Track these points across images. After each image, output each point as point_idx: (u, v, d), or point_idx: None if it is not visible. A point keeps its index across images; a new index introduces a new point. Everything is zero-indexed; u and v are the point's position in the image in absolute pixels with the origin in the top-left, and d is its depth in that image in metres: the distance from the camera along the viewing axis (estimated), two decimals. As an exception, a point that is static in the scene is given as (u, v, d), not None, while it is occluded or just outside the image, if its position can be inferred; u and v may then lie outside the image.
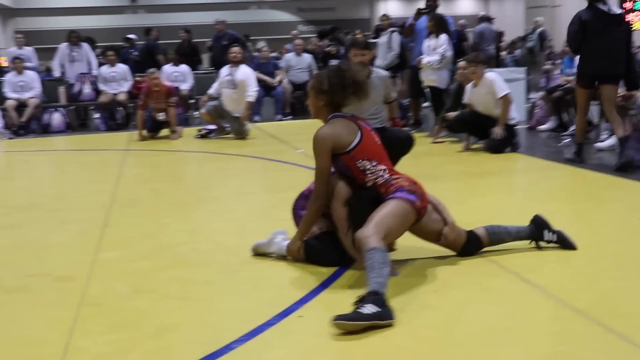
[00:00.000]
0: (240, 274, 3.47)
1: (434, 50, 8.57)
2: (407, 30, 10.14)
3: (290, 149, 8.11)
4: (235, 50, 9.36)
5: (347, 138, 3.37)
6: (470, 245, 3.54)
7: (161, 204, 5.38)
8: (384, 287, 2.81)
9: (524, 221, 4.30)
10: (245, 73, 9.35)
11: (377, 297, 2.73)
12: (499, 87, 7.03)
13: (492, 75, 7.18)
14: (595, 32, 6.23)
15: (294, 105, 12.27)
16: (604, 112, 6.75)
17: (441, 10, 10.39)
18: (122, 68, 11.55)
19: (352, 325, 2.61)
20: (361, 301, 2.71)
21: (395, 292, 3.11)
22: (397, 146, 5.66)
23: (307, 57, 12.05)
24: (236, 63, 9.28)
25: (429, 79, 8.75)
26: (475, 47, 10.14)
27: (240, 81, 9.18)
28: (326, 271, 3.41)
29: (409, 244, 3.67)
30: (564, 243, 3.62)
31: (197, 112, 11.43)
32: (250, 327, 2.74)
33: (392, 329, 2.70)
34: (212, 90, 9.52)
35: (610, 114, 6.35)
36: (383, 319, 2.67)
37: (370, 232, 3.05)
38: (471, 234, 3.56)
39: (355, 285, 3.21)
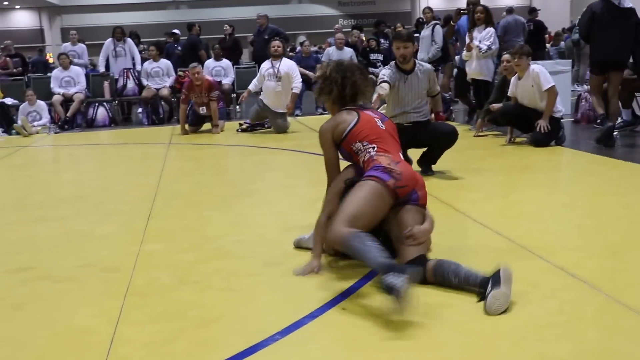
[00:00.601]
0: (283, 266, 3.47)
1: (480, 42, 8.47)
2: (448, 31, 10.05)
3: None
4: (276, 43, 9.39)
5: (343, 125, 3.44)
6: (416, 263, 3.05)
7: (204, 196, 5.42)
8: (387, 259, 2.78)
9: (570, 217, 4.26)
10: (289, 65, 9.39)
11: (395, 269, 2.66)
12: (544, 79, 6.92)
13: (537, 67, 7.06)
14: (602, 23, 7.14)
15: (335, 99, 12.24)
16: (608, 95, 7.61)
17: (485, 2, 10.30)
18: (164, 63, 11.66)
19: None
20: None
21: (439, 287, 3.10)
22: (440, 140, 5.66)
23: (349, 51, 12.01)
24: (277, 57, 9.30)
25: (475, 72, 8.67)
26: (500, 39, 10.01)
27: (284, 74, 9.22)
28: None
29: (448, 243, 3.66)
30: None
31: (239, 107, 11.53)
32: (293, 319, 2.75)
33: (437, 323, 2.68)
34: (252, 86, 9.55)
35: (612, 98, 7.46)
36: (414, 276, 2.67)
37: (336, 227, 3.05)
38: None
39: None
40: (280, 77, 9.18)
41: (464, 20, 9.45)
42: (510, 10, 13.33)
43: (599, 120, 8.26)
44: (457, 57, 9.83)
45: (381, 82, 5.46)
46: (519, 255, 3.48)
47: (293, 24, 28.42)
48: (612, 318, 2.67)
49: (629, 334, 2.50)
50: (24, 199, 5.68)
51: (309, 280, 3.25)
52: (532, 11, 15.63)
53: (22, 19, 31.78)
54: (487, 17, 8.60)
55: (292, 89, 9.33)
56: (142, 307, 3.01)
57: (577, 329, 2.57)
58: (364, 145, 3.37)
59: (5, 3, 30.25)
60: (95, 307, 3.04)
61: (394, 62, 5.63)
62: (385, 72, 5.56)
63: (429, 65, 5.75)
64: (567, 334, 2.52)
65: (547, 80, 6.95)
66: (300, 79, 9.50)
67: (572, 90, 10.80)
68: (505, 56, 7.68)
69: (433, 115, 5.89)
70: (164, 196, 5.41)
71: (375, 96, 5.49)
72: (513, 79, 7.23)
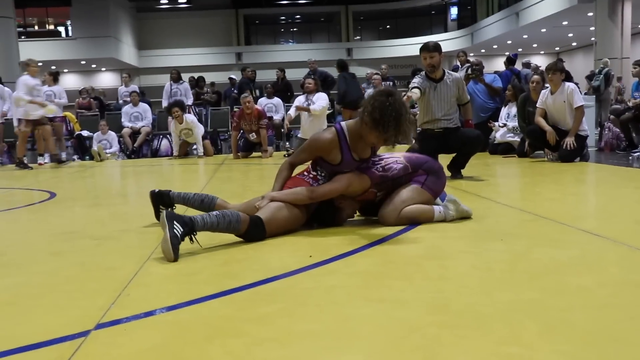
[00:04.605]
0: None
1: (514, 116, 8.13)
2: None
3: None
4: (309, 81, 9.35)
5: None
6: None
7: (246, 192, 5.23)
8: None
9: (592, 201, 3.97)
10: (322, 97, 9.27)
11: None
12: (577, 97, 6.63)
13: (572, 85, 6.77)
14: None
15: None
16: None
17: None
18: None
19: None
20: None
21: (462, 241, 2.84)
22: (467, 145, 5.39)
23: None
24: (310, 92, 9.23)
25: (505, 140, 8.27)
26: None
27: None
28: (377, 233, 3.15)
29: (474, 216, 3.38)
30: None
31: (288, 143, 11.42)
32: (315, 261, 2.52)
33: (456, 262, 2.42)
34: (291, 112, 9.49)
35: None
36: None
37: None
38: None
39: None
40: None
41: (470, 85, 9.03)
42: (526, 64, 13.29)
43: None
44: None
45: (412, 88, 5.28)
46: (542, 223, 3.19)
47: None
48: (634, 261, 2.37)
49: (653, 268, 2.19)
50: (84, 194, 5.59)
51: (332, 237, 3.02)
52: (559, 61, 15.42)
53: (107, 79, 32.68)
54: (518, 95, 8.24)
55: (312, 108, 9.09)
56: (170, 254, 2.80)
57: (598, 267, 2.28)
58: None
59: (93, 66, 31.23)
60: (126, 254, 2.85)
61: (423, 72, 5.43)
62: (416, 80, 5.38)
63: (458, 75, 5.52)
64: (588, 271, 2.23)
65: (579, 98, 6.67)
66: (323, 104, 9.17)
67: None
68: (535, 77, 7.40)
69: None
70: (208, 192, 5.24)
71: (404, 98, 5.28)
72: (544, 92, 6.88)
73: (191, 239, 2.71)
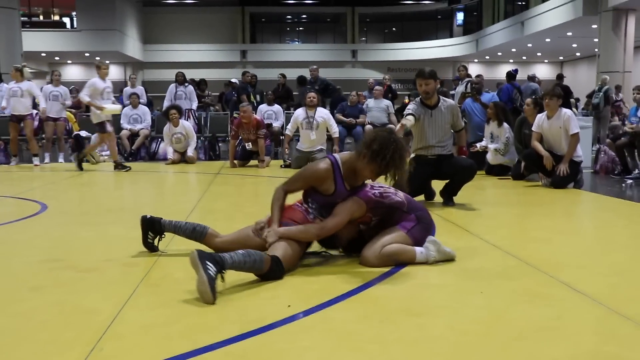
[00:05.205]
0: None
1: (498, 137, 8.02)
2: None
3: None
4: (312, 95, 9.32)
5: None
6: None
7: (236, 213, 5.23)
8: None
9: (579, 242, 3.98)
10: (325, 115, 9.33)
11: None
12: (573, 124, 6.60)
13: (569, 112, 6.75)
14: None
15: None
16: None
17: (518, 75, 10.28)
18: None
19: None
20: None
21: (443, 291, 2.83)
22: (460, 173, 5.37)
23: (385, 101, 11.77)
24: (312, 107, 9.23)
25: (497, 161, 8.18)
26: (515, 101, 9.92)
27: (321, 122, 9.19)
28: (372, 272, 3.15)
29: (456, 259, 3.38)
30: None
31: (287, 151, 11.39)
32: (289, 314, 2.51)
33: (433, 321, 2.41)
34: (288, 132, 9.55)
35: None
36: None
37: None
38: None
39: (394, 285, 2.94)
40: (317, 125, 9.14)
41: (468, 101, 9.08)
42: (530, 78, 13.30)
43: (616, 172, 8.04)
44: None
45: (407, 115, 5.26)
46: (524, 271, 3.18)
47: (348, 85, 28.50)
48: (610, 326, 2.36)
49: (625, 341, 2.19)
50: (75, 208, 5.59)
51: (315, 281, 3.02)
52: (560, 77, 15.50)
53: (110, 72, 32.49)
54: (500, 114, 8.09)
55: (333, 134, 9.41)
56: (150, 295, 2.81)
57: (573, 334, 2.27)
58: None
59: (97, 58, 31.13)
60: (107, 293, 2.85)
61: (419, 97, 5.41)
62: (410, 107, 5.36)
63: (452, 101, 5.50)
64: (562, 338, 2.22)
65: (575, 125, 6.64)
66: (337, 125, 9.48)
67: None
68: (528, 100, 7.39)
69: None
70: (200, 211, 5.25)
71: (398, 126, 5.26)
72: (541, 116, 6.84)
73: (222, 279, 2.71)
